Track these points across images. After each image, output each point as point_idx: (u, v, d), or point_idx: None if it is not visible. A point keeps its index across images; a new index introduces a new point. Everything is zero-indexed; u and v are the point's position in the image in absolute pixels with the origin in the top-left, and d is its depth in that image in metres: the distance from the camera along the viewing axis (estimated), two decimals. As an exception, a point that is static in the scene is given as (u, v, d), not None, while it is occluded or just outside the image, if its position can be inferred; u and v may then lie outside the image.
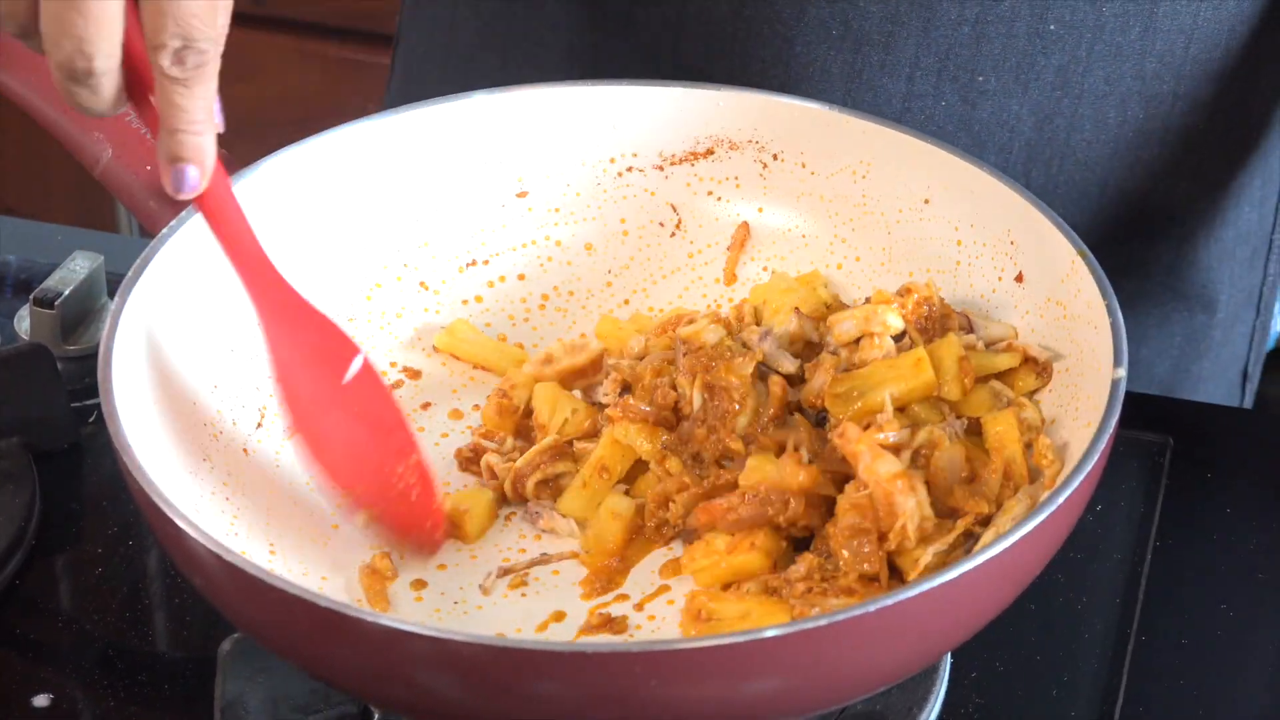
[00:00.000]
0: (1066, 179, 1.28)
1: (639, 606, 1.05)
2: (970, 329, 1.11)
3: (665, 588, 1.05)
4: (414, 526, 1.07)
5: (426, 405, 1.16)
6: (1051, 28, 1.23)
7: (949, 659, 1.05)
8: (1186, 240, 1.33)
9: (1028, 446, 1.05)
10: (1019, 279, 1.11)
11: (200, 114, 0.99)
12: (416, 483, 1.07)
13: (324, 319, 1.08)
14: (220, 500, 1.06)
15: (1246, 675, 1.09)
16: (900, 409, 1.06)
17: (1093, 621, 1.10)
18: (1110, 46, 1.24)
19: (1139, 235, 1.32)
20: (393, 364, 1.18)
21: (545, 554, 1.08)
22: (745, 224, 1.20)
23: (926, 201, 1.16)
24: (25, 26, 0.97)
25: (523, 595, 1.06)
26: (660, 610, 1.04)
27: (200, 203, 1.03)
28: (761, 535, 1.03)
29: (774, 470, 1.04)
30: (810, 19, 1.24)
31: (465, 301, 1.20)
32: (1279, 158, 1.33)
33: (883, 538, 1.00)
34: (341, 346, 1.07)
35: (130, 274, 1.06)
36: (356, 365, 1.07)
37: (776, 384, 1.08)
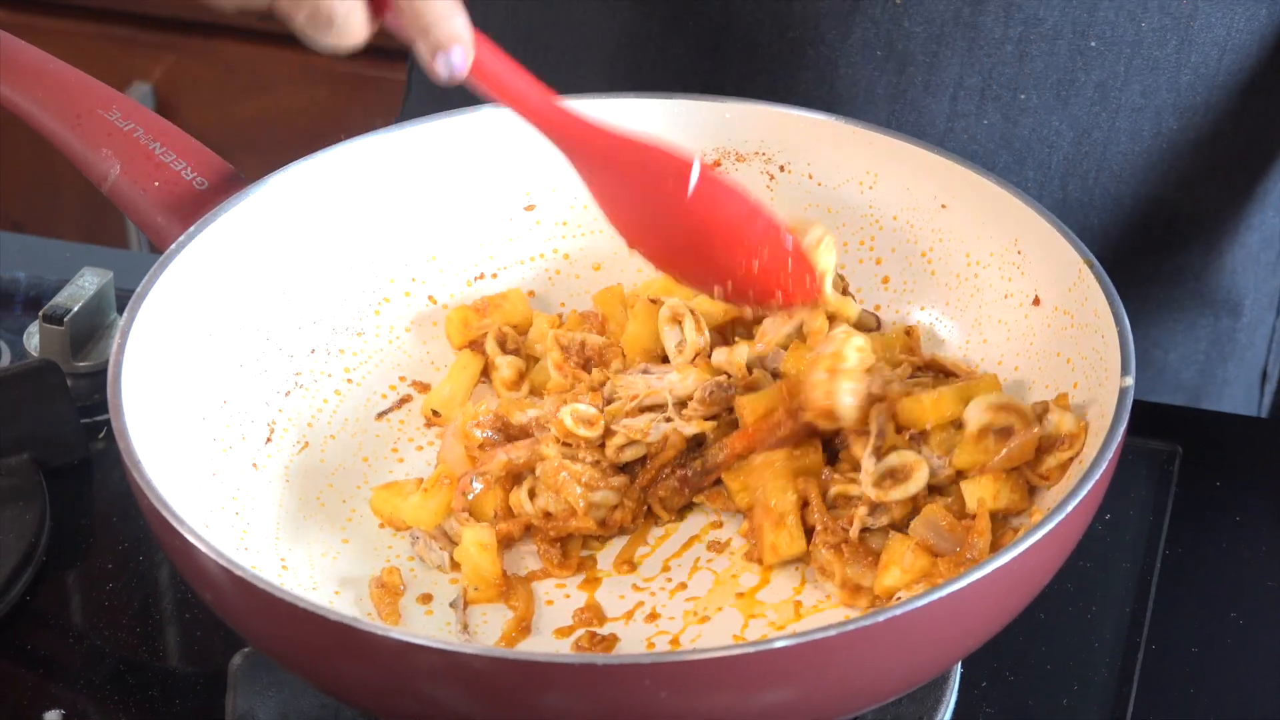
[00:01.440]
0: (1102, 191, 1.29)
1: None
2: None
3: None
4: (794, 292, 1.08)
5: (437, 414, 1.16)
6: (1092, 44, 1.23)
7: (959, 668, 1.05)
8: (1214, 246, 1.33)
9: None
10: (1036, 302, 1.11)
11: (444, 2, 0.99)
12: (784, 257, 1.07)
13: (642, 145, 1.06)
14: (230, 515, 1.06)
15: (1256, 683, 1.09)
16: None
17: (1103, 630, 1.10)
18: (1148, 61, 1.25)
19: (1170, 243, 1.32)
20: (401, 378, 1.18)
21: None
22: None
23: (939, 210, 1.16)
24: None
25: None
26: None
27: (475, 75, 1.02)
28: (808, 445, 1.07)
29: (770, 398, 1.08)
30: (855, 40, 1.24)
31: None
32: None
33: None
34: (671, 164, 1.06)
35: (139, 290, 1.07)
36: (694, 176, 1.05)
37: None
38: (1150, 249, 1.32)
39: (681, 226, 1.06)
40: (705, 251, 1.07)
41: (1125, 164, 1.28)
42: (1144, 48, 1.24)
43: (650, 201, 1.06)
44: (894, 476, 1.04)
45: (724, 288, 1.07)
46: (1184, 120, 1.28)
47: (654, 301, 1.14)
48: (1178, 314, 1.35)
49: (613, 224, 1.09)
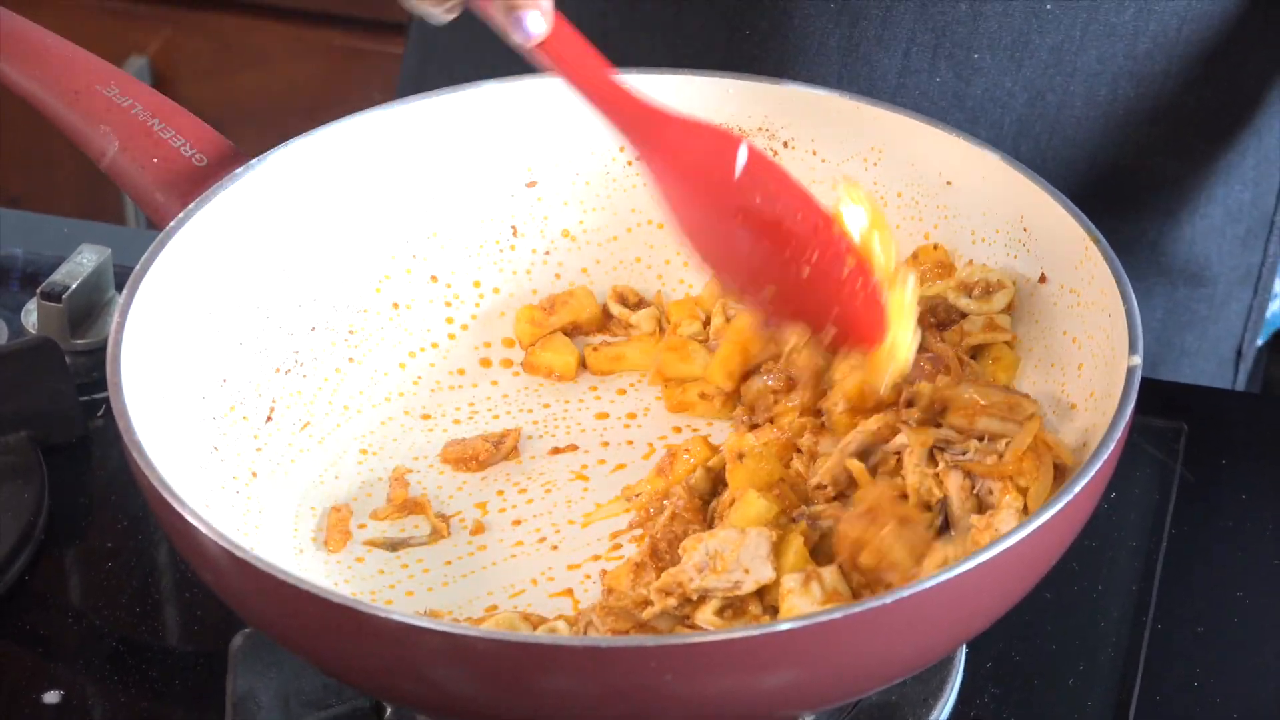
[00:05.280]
0: (1055, 154, 1.29)
1: None
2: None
3: None
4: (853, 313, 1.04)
5: (433, 391, 1.16)
6: (1048, 7, 1.24)
7: (964, 649, 1.05)
8: (1171, 216, 1.34)
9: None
10: (1042, 280, 1.11)
11: None
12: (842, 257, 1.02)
13: (693, 124, 1.04)
14: (230, 494, 1.06)
15: (1263, 661, 1.09)
16: None
17: (1109, 610, 1.10)
18: (1104, 26, 1.25)
19: (1124, 210, 1.33)
20: (411, 354, 1.17)
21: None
22: None
23: (944, 187, 1.15)
24: None
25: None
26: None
27: (543, 48, 1.01)
28: None
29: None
30: None
31: (481, 293, 1.20)
32: (1276, 138, 1.33)
33: None
34: (723, 144, 1.03)
35: (138, 267, 1.06)
36: (742, 157, 1.02)
37: None
38: (1104, 214, 1.31)
39: (727, 212, 1.02)
40: (751, 246, 1.02)
41: (1079, 128, 1.28)
42: (1101, 13, 1.24)
43: (699, 185, 1.03)
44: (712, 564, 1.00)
45: (765, 295, 1.03)
46: (1141, 88, 1.28)
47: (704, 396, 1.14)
48: (1133, 281, 1.35)
49: (673, 220, 1.05)
